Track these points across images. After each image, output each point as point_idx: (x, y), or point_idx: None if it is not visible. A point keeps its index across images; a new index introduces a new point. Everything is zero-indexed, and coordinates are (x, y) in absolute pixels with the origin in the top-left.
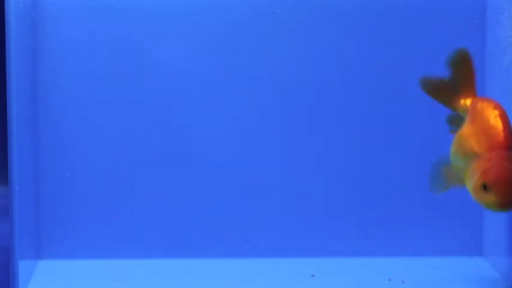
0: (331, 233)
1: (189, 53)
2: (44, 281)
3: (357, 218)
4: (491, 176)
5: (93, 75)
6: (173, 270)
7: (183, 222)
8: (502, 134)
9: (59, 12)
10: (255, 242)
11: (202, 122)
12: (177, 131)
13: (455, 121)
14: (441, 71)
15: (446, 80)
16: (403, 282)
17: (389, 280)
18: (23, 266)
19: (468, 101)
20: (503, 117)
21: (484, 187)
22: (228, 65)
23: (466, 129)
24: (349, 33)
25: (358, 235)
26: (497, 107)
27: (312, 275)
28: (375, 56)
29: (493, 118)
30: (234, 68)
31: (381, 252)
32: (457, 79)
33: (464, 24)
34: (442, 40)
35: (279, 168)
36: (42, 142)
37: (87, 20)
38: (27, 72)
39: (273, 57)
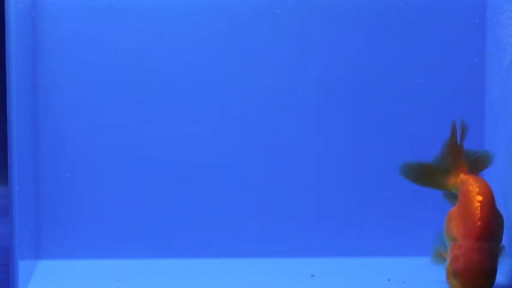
0: (331, 233)
1: (188, 53)
2: (44, 281)
3: (357, 218)
4: (459, 265)
5: (93, 75)
6: (173, 270)
7: (183, 222)
8: (477, 224)
9: (59, 12)
10: (255, 242)
11: (202, 122)
12: (177, 131)
13: (451, 196)
14: (441, 71)
15: (431, 164)
16: (403, 283)
17: (389, 280)
18: (23, 266)
19: (459, 179)
20: (486, 204)
21: (454, 275)
22: (228, 65)
23: (454, 209)
24: (349, 33)
25: (358, 235)
26: (483, 191)
27: (312, 275)
28: (375, 55)
29: (474, 205)
30: (234, 67)
31: (381, 252)
32: (447, 159)
33: (464, 24)
34: (442, 40)
35: (279, 169)
36: (42, 142)
37: (87, 20)
38: (27, 72)
39: (273, 57)
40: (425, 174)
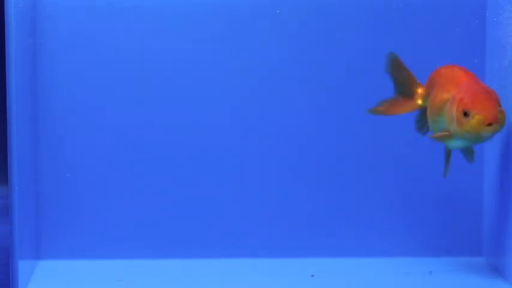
0: (331, 233)
1: (188, 53)
2: (44, 281)
3: (357, 218)
4: (467, 100)
5: (93, 75)
6: (173, 270)
7: (183, 222)
8: (463, 74)
9: (59, 12)
10: (255, 242)
11: (202, 122)
12: (177, 131)
13: (422, 118)
14: None
15: (392, 97)
16: (403, 283)
17: (389, 280)
18: (23, 266)
19: (421, 89)
20: (459, 67)
21: (465, 114)
22: (228, 65)
23: (432, 98)
24: (349, 33)
25: (358, 235)
26: (448, 66)
27: (312, 275)
28: (375, 55)
29: (450, 70)
30: (234, 68)
31: (381, 252)
32: (404, 81)
33: (464, 24)
34: (442, 40)
35: (279, 169)
36: (42, 142)
37: (87, 20)
38: (27, 72)
39: (273, 57)
40: (393, 106)
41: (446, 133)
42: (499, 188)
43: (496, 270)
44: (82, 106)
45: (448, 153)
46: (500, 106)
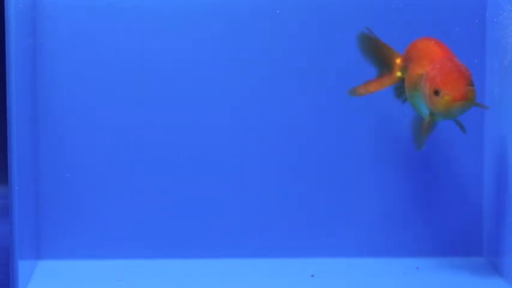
0: (331, 233)
1: (188, 53)
2: (44, 281)
3: (357, 218)
4: (438, 79)
5: (93, 75)
6: (173, 270)
7: (183, 222)
8: (438, 49)
9: (59, 12)
10: (255, 242)
11: (202, 122)
12: (178, 131)
13: (400, 86)
14: None
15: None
16: (403, 283)
17: (389, 280)
18: (23, 266)
19: (399, 59)
20: (435, 40)
21: (436, 93)
22: (228, 65)
23: (408, 73)
24: (349, 33)
25: (358, 235)
26: (423, 39)
27: (312, 275)
28: None
29: (426, 44)
30: (234, 68)
31: (381, 252)
32: (381, 55)
33: (464, 24)
34: (442, 40)
35: (280, 169)
36: (42, 142)
37: (87, 20)
38: (27, 72)
39: (273, 57)
40: (374, 83)
41: (428, 120)
42: (499, 188)
43: (496, 270)
44: (82, 106)
45: (426, 125)
46: (471, 84)
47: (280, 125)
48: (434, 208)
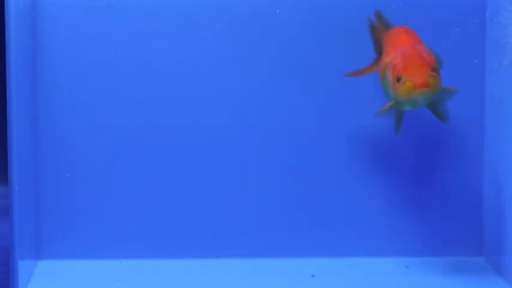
0: (331, 233)
1: (188, 53)
2: (44, 281)
3: (357, 218)
4: (400, 65)
5: (93, 75)
6: (173, 270)
7: (183, 222)
8: (405, 37)
9: (59, 12)
10: (255, 242)
11: (202, 122)
12: (178, 131)
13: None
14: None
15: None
16: (403, 283)
17: (389, 280)
18: (23, 266)
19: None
20: (405, 29)
21: (398, 80)
22: (228, 65)
23: (380, 61)
24: (350, 33)
25: (358, 235)
26: (396, 28)
27: (312, 275)
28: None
29: (396, 33)
30: (234, 68)
31: (381, 252)
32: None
33: (464, 24)
34: (442, 40)
35: (280, 169)
36: (42, 142)
37: (87, 20)
38: (27, 72)
39: (273, 57)
40: (368, 67)
41: (389, 104)
42: (499, 188)
43: (496, 270)
44: (82, 106)
45: (399, 114)
46: (434, 71)
47: (280, 125)
48: (435, 208)
